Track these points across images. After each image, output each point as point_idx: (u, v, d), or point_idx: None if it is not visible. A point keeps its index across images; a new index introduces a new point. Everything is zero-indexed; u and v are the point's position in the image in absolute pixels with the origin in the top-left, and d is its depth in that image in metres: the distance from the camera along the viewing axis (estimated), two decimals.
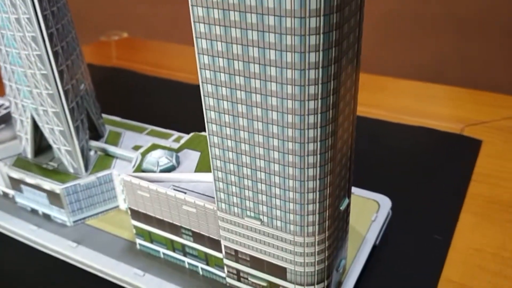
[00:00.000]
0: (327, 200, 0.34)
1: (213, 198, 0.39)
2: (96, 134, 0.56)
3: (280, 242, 0.37)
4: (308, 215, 0.35)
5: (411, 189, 0.55)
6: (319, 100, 0.30)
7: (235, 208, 0.38)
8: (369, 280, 0.45)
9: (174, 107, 0.76)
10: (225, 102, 0.33)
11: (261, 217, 0.37)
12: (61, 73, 0.46)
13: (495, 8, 0.89)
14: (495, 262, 0.46)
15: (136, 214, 0.45)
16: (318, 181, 0.33)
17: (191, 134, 0.50)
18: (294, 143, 0.32)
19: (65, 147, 0.50)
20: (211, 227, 0.41)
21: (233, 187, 0.36)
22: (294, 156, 0.32)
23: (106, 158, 0.53)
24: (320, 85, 0.29)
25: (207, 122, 0.34)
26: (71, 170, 0.51)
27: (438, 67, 0.94)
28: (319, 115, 0.30)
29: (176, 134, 0.55)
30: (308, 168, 0.32)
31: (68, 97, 0.48)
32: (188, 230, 0.42)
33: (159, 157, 0.45)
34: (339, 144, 0.33)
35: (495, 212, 0.52)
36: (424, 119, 0.69)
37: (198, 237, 0.42)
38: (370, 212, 0.50)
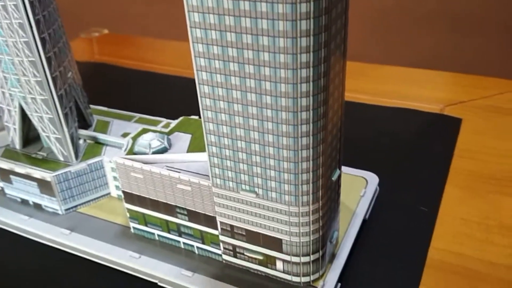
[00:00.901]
0: (320, 169, 0.35)
1: (207, 176, 0.40)
2: (84, 124, 0.56)
3: (275, 213, 0.38)
4: (302, 184, 0.35)
5: (396, 166, 0.57)
6: (311, 68, 0.31)
7: (230, 183, 0.38)
8: (361, 252, 0.46)
9: (159, 98, 0.77)
10: (218, 76, 0.33)
11: (256, 189, 0.37)
12: (49, 59, 0.46)
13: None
14: (481, 230, 0.48)
15: (129, 197, 0.46)
16: (311, 150, 0.34)
17: (181, 118, 0.51)
18: (287, 112, 0.33)
19: (54, 135, 0.50)
20: (206, 204, 0.41)
21: (228, 162, 0.37)
22: (287, 126, 0.33)
23: (96, 146, 0.53)
24: (311, 53, 0.30)
25: (201, 97, 0.35)
26: (61, 158, 0.51)
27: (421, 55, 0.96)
28: (311, 83, 0.31)
29: (164, 120, 0.55)
30: (301, 137, 0.33)
31: (56, 84, 0.48)
32: (183, 209, 0.43)
33: (150, 140, 0.45)
34: (330, 114, 0.34)
35: (478, 184, 0.54)
36: (404, 101, 0.70)
37: (193, 216, 0.43)
38: (358, 188, 0.51)
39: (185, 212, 0.43)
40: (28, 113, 0.50)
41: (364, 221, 0.48)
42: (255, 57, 0.31)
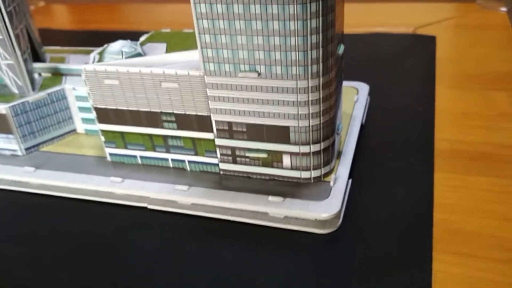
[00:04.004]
0: (330, 30, 0.31)
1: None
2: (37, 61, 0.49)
3: (281, 95, 0.33)
4: (311, 50, 0.31)
5: (383, 78, 0.54)
6: None
7: (226, 66, 0.34)
8: (366, 151, 0.42)
9: None
10: None
11: (257, 68, 0.33)
12: None
13: None
14: (483, 120, 0.46)
15: (104, 115, 0.40)
16: (321, 3, 0.30)
17: (150, 32, 0.45)
18: None
19: (6, 61, 0.43)
20: (198, 102, 0.36)
21: (223, 37, 0.32)
22: None
23: (54, 78, 0.47)
24: None
25: None
26: (16, 91, 0.45)
27: None
28: None
29: None
30: None
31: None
32: (171, 114, 0.38)
33: (122, 46, 0.40)
34: None
35: (468, 83, 0.52)
36: (374, 29, 0.68)
37: (183, 121, 0.38)
38: (351, 96, 0.48)
39: (173, 119, 0.38)
40: None
41: (362, 126, 0.45)
42: None
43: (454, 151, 0.42)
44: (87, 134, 0.47)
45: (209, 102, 0.36)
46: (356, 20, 0.73)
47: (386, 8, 0.77)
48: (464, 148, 0.42)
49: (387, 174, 0.40)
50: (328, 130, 0.35)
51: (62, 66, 0.47)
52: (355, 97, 0.47)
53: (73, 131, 0.47)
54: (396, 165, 0.41)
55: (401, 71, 0.56)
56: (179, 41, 0.42)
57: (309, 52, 0.31)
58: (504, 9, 0.70)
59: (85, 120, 0.46)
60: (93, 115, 0.45)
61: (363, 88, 0.49)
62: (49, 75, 0.47)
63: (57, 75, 0.47)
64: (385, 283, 0.30)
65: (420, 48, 0.61)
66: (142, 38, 0.44)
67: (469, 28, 0.67)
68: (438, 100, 0.49)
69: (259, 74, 0.33)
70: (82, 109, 0.45)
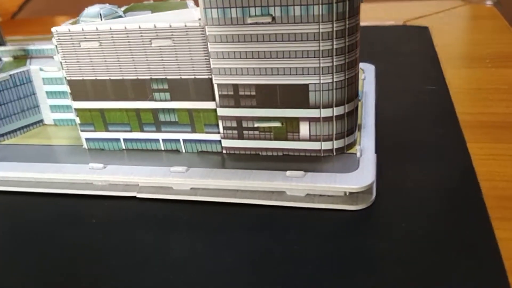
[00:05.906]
0: None
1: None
2: None
3: (300, 43, 0.28)
4: None
5: (386, 64, 0.50)
6: None
7: (233, 11, 0.28)
8: (385, 126, 0.37)
9: None
10: None
11: (271, 10, 0.28)
12: None
13: None
14: (500, 93, 0.42)
15: (80, 89, 0.33)
16: None
17: (131, 4, 0.40)
18: None
19: None
20: (196, 62, 0.30)
21: None
22: None
23: (16, 62, 0.40)
24: None
25: None
26: None
27: None
28: None
29: None
30: None
31: None
32: (163, 81, 0.32)
33: (100, 8, 0.34)
34: None
35: (474, 63, 0.49)
36: (363, 23, 0.65)
37: (177, 89, 0.32)
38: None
39: (166, 87, 0.32)
40: None
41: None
42: None
43: (480, 122, 0.38)
44: (56, 125, 0.40)
45: (211, 60, 0.30)
46: None
47: (372, 7, 0.74)
48: (489, 119, 0.38)
49: (415, 147, 0.35)
50: (353, 89, 0.30)
51: (27, 47, 0.40)
52: (363, 76, 0.43)
53: (40, 122, 0.40)
54: (423, 139, 0.36)
55: (403, 57, 0.52)
56: (167, 9, 0.36)
57: None
58: (490, 2, 0.68)
59: (54, 108, 0.39)
60: (64, 101, 0.38)
61: (369, 68, 0.45)
62: (10, 59, 0.41)
63: (21, 58, 0.40)
64: (448, 262, 0.25)
65: (416, 37, 0.58)
66: (122, 9, 0.38)
67: (460, 19, 0.65)
68: (449, 79, 0.45)
69: (273, 19, 0.28)
70: (51, 93, 0.39)
